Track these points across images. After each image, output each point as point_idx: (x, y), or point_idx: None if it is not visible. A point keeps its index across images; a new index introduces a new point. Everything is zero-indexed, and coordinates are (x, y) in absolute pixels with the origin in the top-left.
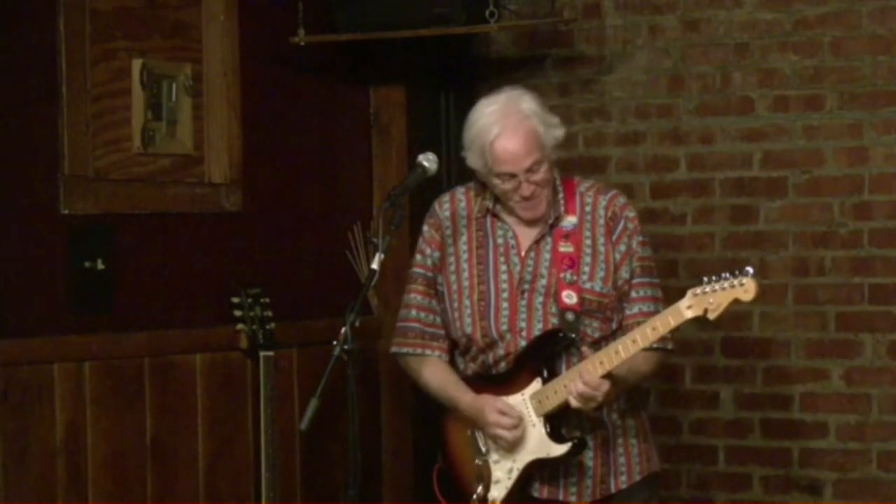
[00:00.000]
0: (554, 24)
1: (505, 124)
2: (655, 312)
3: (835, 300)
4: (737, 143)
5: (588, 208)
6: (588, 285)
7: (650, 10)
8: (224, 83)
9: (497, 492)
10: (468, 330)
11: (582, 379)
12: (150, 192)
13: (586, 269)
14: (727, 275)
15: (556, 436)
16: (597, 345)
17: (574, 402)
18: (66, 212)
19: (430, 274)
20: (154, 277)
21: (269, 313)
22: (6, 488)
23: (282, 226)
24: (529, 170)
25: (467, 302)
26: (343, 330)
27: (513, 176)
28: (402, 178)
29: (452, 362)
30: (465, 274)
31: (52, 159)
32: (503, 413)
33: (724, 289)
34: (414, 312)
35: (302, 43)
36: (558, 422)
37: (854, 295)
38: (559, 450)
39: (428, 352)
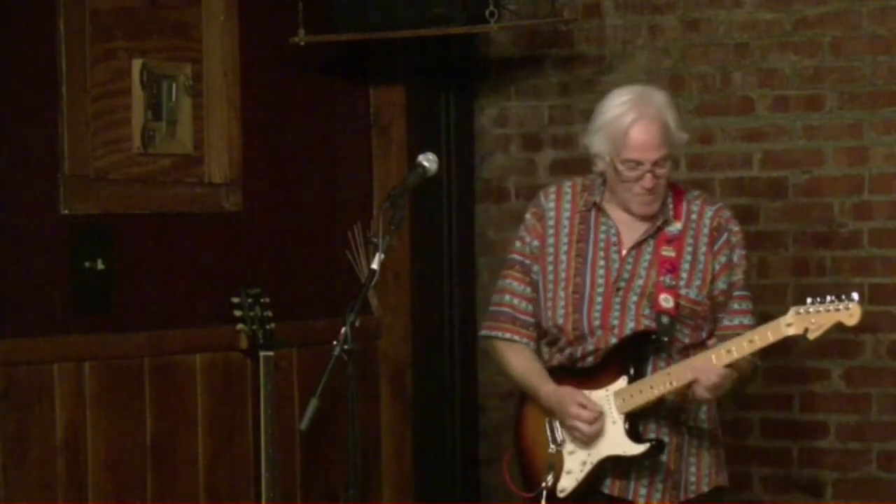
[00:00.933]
0: (554, 24)
1: (642, 113)
2: (753, 326)
3: None
4: (737, 143)
5: (694, 216)
6: (684, 291)
7: (650, 10)
8: (224, 83)
9: (567, 483)
10: (560, 321)
11: (713, 370)
12: (150, 192)
13: (684, 275)
14: (832, 297)
15: (634, 435)
16: (685, 351)
17: (703, 394)
18: (66, 212)
19: (527, 261)
20: (154, 277)
21: (269, 313)
22: (6, 488)
23: (282, 226)
24: (656, 162)
25: (562, 293)
26: (343, 330)
27: (639, 164)
28: (402, 178)
29: (538, 352)
30: (563, 265)
31: (52, 159)
32: (583, 406)
33: (828, 311)
34: (507, 297)
35: (302, 43)
36: (638, 421)
37: None
38: (636, 449)
39: (517, 338)
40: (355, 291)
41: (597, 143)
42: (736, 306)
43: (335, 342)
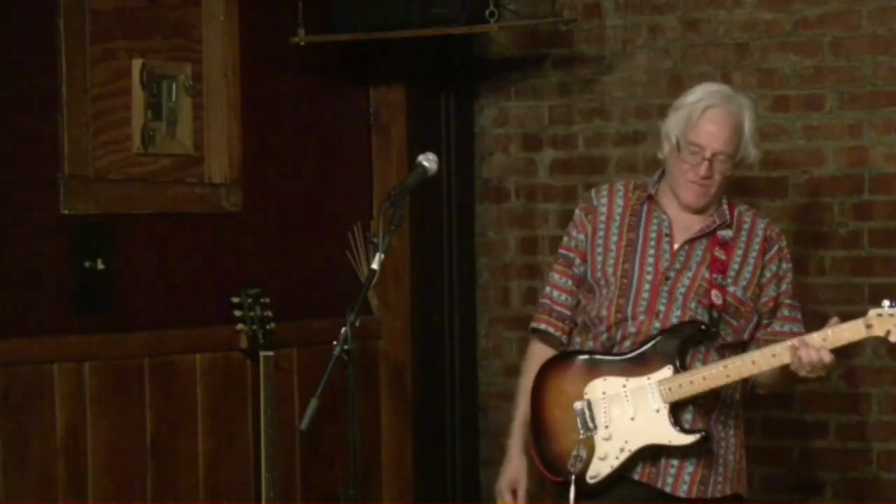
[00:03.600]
0: (554, 24)
1: (724, 105)
2: (803, 334)
3: (835, 300)
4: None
5: (746, 226)
6: (732, 289)
7: (650, 10)
8: (224, 83)
9: (601, 468)
10: (605, 304)
11: (819, 349)
12: (150, 192)
13: (733, 274)
14: None
15: (680, 425)
16: (723, 350)
17: (805, 373)
18: (66, 212)
19: (570, 255)
20: (154, 277)
21: (269, 313)
22: (6, 488)
23: (282, 226)
24: (717, 154)
25: (611, 280)
26: (343, 330)
27: (701, 150)
28: (402, 178)
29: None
30: (612, 254)
31: (52, 159)
32: (513, 494)
33: None
34: (548, 289)
35: (302, 43)
36: (682, 412)
37: (854, 295)
38: (684, 439)
39: (550, 329)
40: (355, 291)
41: (671, 121)
42: (787, 313)
43: (335, 342)
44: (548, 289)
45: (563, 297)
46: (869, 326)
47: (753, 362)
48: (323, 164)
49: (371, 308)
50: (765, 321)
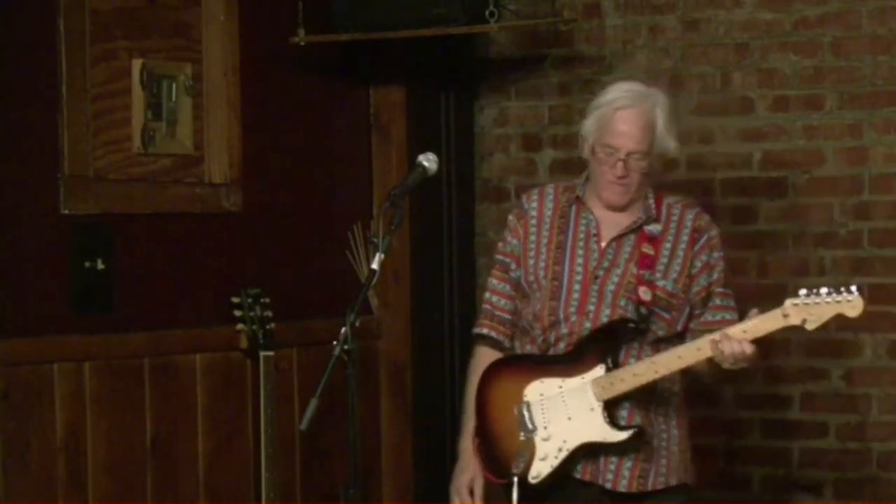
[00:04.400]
0: (554, 24)
1: (635, 104)
2: (736, 322)
3: None
4: (737, 143)
5: (674, 219)
6: (661, 283)
7: (650, 10)
8: (224, 83)
9: (542, 468)
10: (537, 308)
11: (741, 341)
12: (150, 192)
13: (661, 268)
14: (829, 289)
15: (614, 422)
16: (657, 344)
17: (729, 365)
18: (66, 212)
19: (506, 260)
20: (154, 277)
21: (269, 313)
22: (6, 488)
23: (282, 226)
24: (631, 154)
25: (543, 282)
26: (343, 330)
27: (615, 150)
28: (402, 178)
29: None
30: (543, 257)
31: (52, 159)
32: (470, 493)
33: (828, 302)
34: (488, 294)
35: (302, 43)
36: (616, 409)
37: None
38: (618, 436)
39: (493, 334)
40: (355, 291)
41: (585, 125)
42: (718, 301)
43: (335, 342)
44: (487, 294)
45: (503, 301)
46: (786, 316)
47: (679, 357)
48: (323, 164)
49: (371, 308)
50: (697, 311)
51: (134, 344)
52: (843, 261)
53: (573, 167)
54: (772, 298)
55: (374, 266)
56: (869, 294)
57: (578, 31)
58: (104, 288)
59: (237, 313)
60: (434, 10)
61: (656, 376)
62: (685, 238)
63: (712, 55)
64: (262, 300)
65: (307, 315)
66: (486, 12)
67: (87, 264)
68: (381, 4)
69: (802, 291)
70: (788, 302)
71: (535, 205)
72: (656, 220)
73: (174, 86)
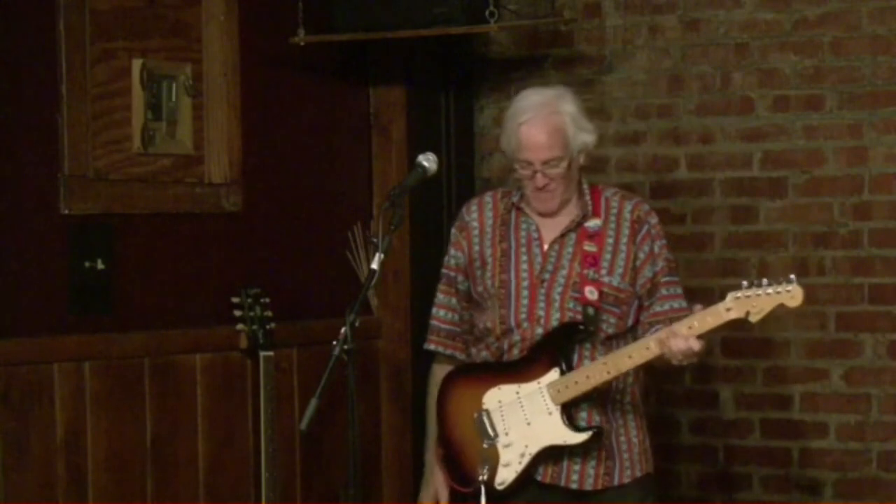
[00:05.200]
0: (554, 24)
1: (536, 114)
2: (685, 309)
3: (835, 300)
4: (737, 143)
5: (613, 212)
6: (607, 279)
7: (650, 10)
8: (224, 83)
9: (507, 475)
10: (489, 322)
11: (687, 337)
12: (150, 192)
13: (606, 264)
14: (767, 281)
15: (573, 424)
16: (608, 342)
17: (678, 361)
18: (66, 212)
19: (451, 273)
20: (154, 277)
21: (269, 313)
22: (6, 488)
23: (282, 226)
24: (546, 162)
25: (492, 291)
26: (343, 330)
27: (530, 164)
28: (402, 178)
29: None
30: (489, 266)
31: (52, 159)
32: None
33: (768, 294)
34: (435, 310)
35: (302, 43)
36: (574, 411)
37: (854, 295)
38: (578, 438)
39: (441, 349)
40: (355, 291)
41: (502, 139)
42: (665, 291)
43: (335, 342)
44: (434, 309)
45: (450, 315)
46: (728, 310)
47: (630, 357)
48: (323, 164)
49: (371, 308)
50: (646, 303)
51: (134, 344)
52: (843, 261)
53: None
54: None
55: (374, 266)
56: (869, 294)
57: (578, 31)
58: (104, 288)
59: (237, 313)
60: (434, 10)
61: (609, 377)
62: (626, 231)
63: (712, 55)
64: (262, 300)
65: (307, 315)
66: (486, 12)
67: (87, 264)
68: (381, 4)
69: (744, 283)
70: (730, 296)
71: (475, 216)
72: (595, 214)
73: (174, 86)
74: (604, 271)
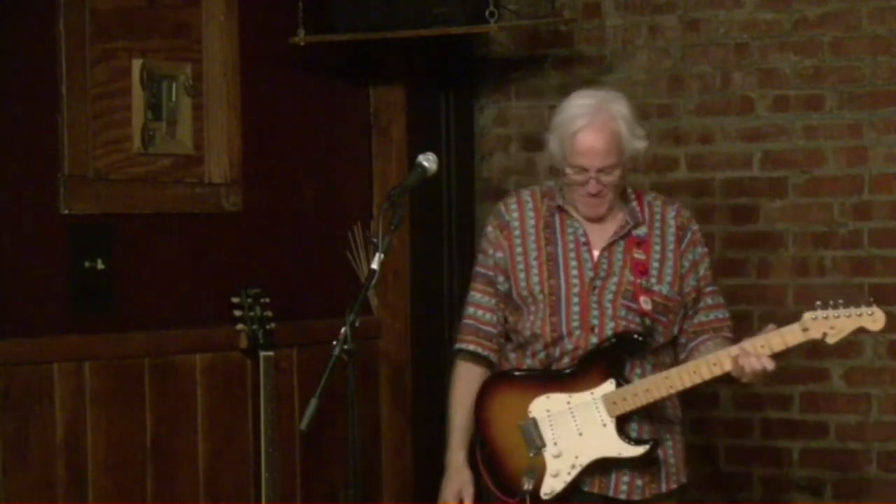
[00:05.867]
0: (554, 24)
1: (592, 119)
2: (727, 320)
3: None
4: (737, 143)
5: (658, 218)
6: (657, 288)
7: (650, 10)
8: (224, 83)
9: (555, 484)
10: (538, 325)
11: (760, 357)
12: (150, 192)
13: (655, 273)
14: (844, 301)
15: (628, 437)
16: (657, 352)
17: (748, 380)
18: (66, 212)
19: (491, 274)
20: (154, 277)
21: (269, 313)
22: (6, 488)
23: (282, 226)
24: (602, 169)
25: (539, 297)
26: (343, 330)
27: (585, 170)
28: (402, 178)
29: (502, 357)
30: (535, 271)
31: (52, 159)
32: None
33: (848, 316)
34: (471, 310)
35: (302, 43)
36: (628, 423)
37: (854, 295)
38: (635, 451)
39: (480, 350)
40: (355, 291)
41: (551, 143)
42: (710, 301)
43: (335, 342)
44: (471, 309)
45: (488, 315)
46: (805, 330)
47: (695, 372)
48: (323, 164)
49: (371, 308)
50: (690, 312)
51: (134, 344)
52: (843, 261)
53: None
54: (772, 298)
55: (374, 266)
56: (869, 294)
57: (578, 31)
58: (104, 288)
59: (237, 313)
60: (434, 10)
61: (671, 391)
62: (671, 238)
63: (712, 55)
64: (262, 300)
65: (307, 315)
66: (486, 12)
67: (87, 264)
68: (381, 4)
69: (819, 304)
70: (807, 316)
71: (515, 215)
72: (642, 221)
73: (174, 86)
74: (653, 280)
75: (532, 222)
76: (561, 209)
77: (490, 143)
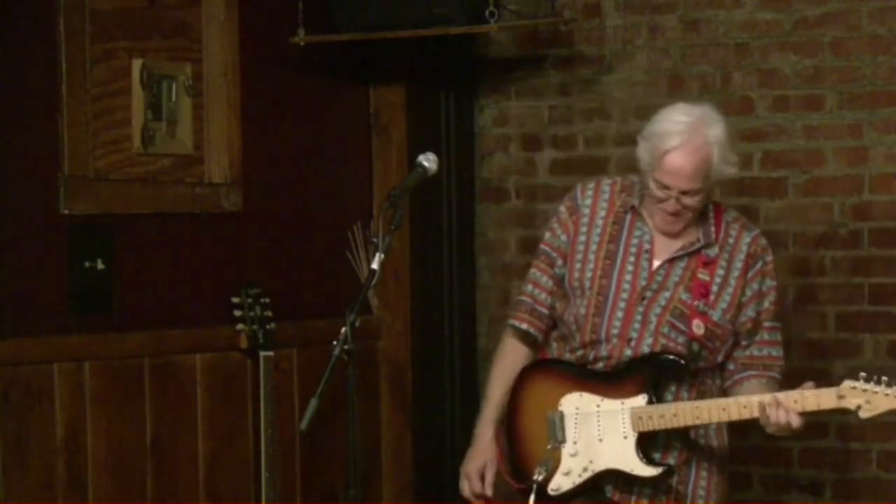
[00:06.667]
0: (554, 24)
1: (686, 141)
2: (780, 359)
3: (835, 300)
4: (737, 143)
5: (731, 240)
6: (709, 313)
7: (650, 10)
8: (224, 83)
9: (563, 482)
10: (580, 319)
11: (789, 411)
12: (150, 192)
13: (713, 297)
14: (886, 378)
15: (646, 456)
16: (698, 375)
17: (771, 430)
18: (66, 212)
19: (553, 254)
20: (154, 277)
21: (269, 313)
22: (6, 488)
23: (282, 226)
24: (685, 192)
25: (588, 293)
26: (343, 330)
27: (667, 188)
28: (402, 178)
29: (546, 343)
30: (591, 265)
31: (52, 159)
32: (481, 479)
33: (887, 395)
34: (529, 287)
35: (302, 43)
36: (650, 442)
37: (854, 295)
38: (646, 471)
39: (532, 330)
40: (355, 291)
41: (640, 148)
42: (766, 336)
43: (335, 342)
44: (529, 286)
45: (544, 296)
46: (841, 397)
47: (724, 409)
48: (323, 164)
49: (371, 308)
50: (743, 342)
51: (134, 344)
52: (843, 261)
53: (573, 167)
54: None
55: (374, 266)
56: (869, 294)
57: (578, 31)
58: (104, 288)
59: (237, 313)
60: (434, 10)
61: (697, 422)
62: (739, 265)
63: (712, 55)
64: (262, 300)
65: (307, 315)
66: (486, 12)
67: (87, 264)
68: (381, 4)
69: (862, 375)
70: (846, 384)
71: (588, 202)
72: (714, 241)
73: (174, 86)
74: (710, 303)
75: (603, 213)
76: (635, 210)
77: (490, 143)
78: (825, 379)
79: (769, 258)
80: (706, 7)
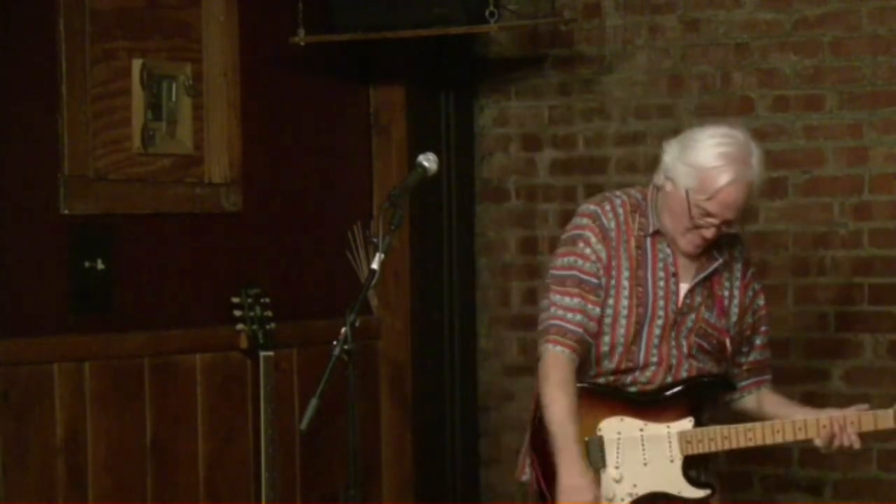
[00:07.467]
0: (554, 24)
1: (739, 175)
2: (768, 360)
3: (835, 300)
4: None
5: (726, 249)
6: (729, 329)
7: (650, 10)
8: (224, 83)
9: None
10: (618, 348)
11: (850, 435)
12: (150, 192)
13: (729, 311)
14: None
15: (692, 478)
16: None
17: (827, 450)
18: (66, 212)
19: (594, 281)
20: (154, 277)
21: (269, 313)
22: (6, 488)
23: (282, 226)
24: (727, 222)
25: (623, 322)
26: (343, 330)
27: (712, 216)
28: (402, 178)
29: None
30: (626, 293)
31: (52, 159)
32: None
33: None
34: (571, 315)
35: (302, 43)
36: (696, 465)
37: (854, 295)
38: (695, 493)
39: (579, 360)
40: (355, 291)
41: (681, 174)
42: (763, 340)
43: (335, 342)
44: (570, 314)
45: (592, 324)
46: None
47: (779, 432)
48: (323, 164)
49: (371, 308)
50: (745, 348)
51: (134, 344)
52: (843, 261)
53: (573, 167)
54: (772, 299)
55: (374, 266)
56: (869, 294)
57: (578, 31)
58: (104, 288)
59: (237, 313)
60: (434, 10)
61: (749, 444)
62: (738, 274)
63: (712, 55)
64: (262, 300)
65: (307, 315)
66: (486, 12)
67: (87, 264)
68: (381, 4)
69: None
70: None
71: (613, 225)
72: (721, 252)
73: (174, 86)
74: (724, 319)
75: (625, 237)
76: (657, 232)
77: (490, 143)
78: (826, 379)
79: (752, 260)
80: (706, 7)
